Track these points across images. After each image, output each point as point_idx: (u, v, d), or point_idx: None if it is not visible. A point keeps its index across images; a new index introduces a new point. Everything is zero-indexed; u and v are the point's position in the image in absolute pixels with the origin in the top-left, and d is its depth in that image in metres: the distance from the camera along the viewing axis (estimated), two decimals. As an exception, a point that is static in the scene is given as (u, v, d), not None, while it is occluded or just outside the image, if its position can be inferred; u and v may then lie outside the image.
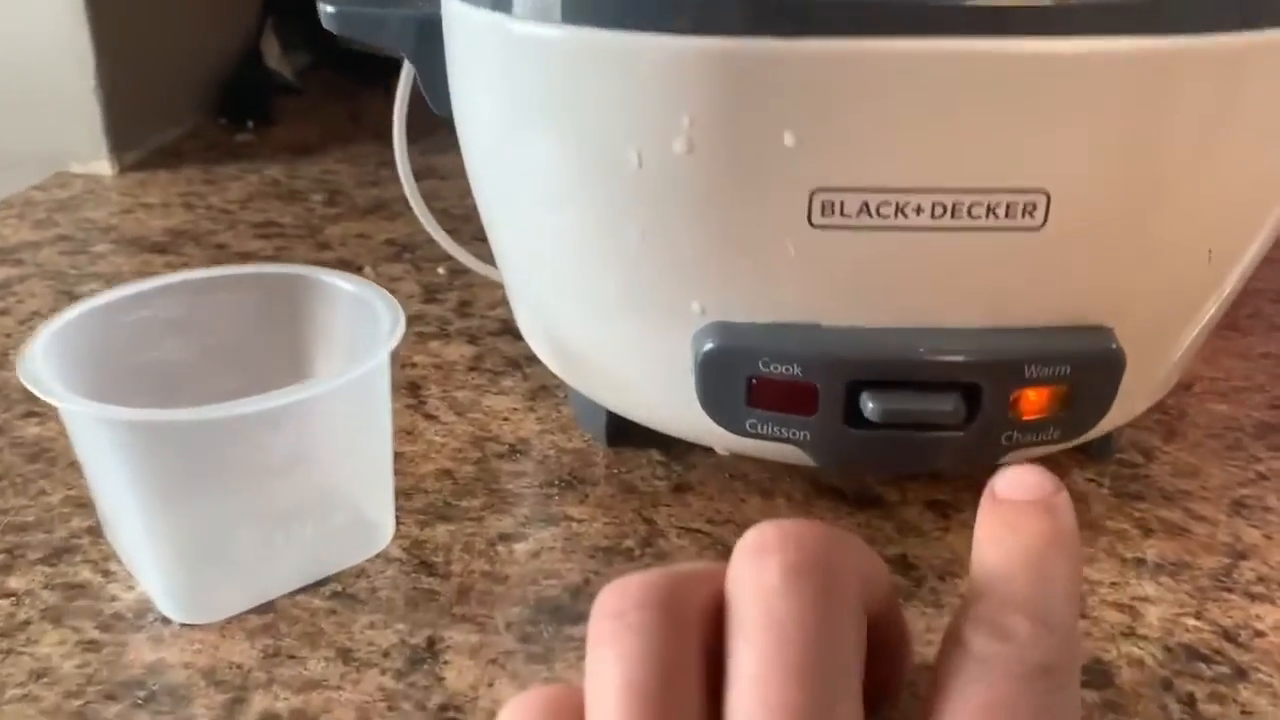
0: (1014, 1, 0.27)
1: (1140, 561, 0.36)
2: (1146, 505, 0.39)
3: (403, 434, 0.43)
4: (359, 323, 0.36)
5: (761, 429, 0.32)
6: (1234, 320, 0.52)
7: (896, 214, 0.29)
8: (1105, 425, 0.34)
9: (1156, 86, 0.28)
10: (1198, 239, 0.31)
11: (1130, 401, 0.36)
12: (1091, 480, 0.40)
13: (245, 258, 0.60)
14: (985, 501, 0.26)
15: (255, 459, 0.32)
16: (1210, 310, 0.34)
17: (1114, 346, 0.31)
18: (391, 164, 0.46)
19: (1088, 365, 0.31)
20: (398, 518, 0.38)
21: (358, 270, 0.58)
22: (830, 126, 0.28)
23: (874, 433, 0.31)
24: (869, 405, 0.30)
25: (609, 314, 0.35)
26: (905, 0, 0.27)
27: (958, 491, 0.39)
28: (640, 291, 0.33)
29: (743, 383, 0.32)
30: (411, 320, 0.52)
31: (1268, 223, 0.32)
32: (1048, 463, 0.27)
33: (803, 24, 0.27)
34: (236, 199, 0.68)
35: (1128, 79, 0.27)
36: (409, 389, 0.46)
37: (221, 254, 0.60)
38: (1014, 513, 0.24)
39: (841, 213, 0.29)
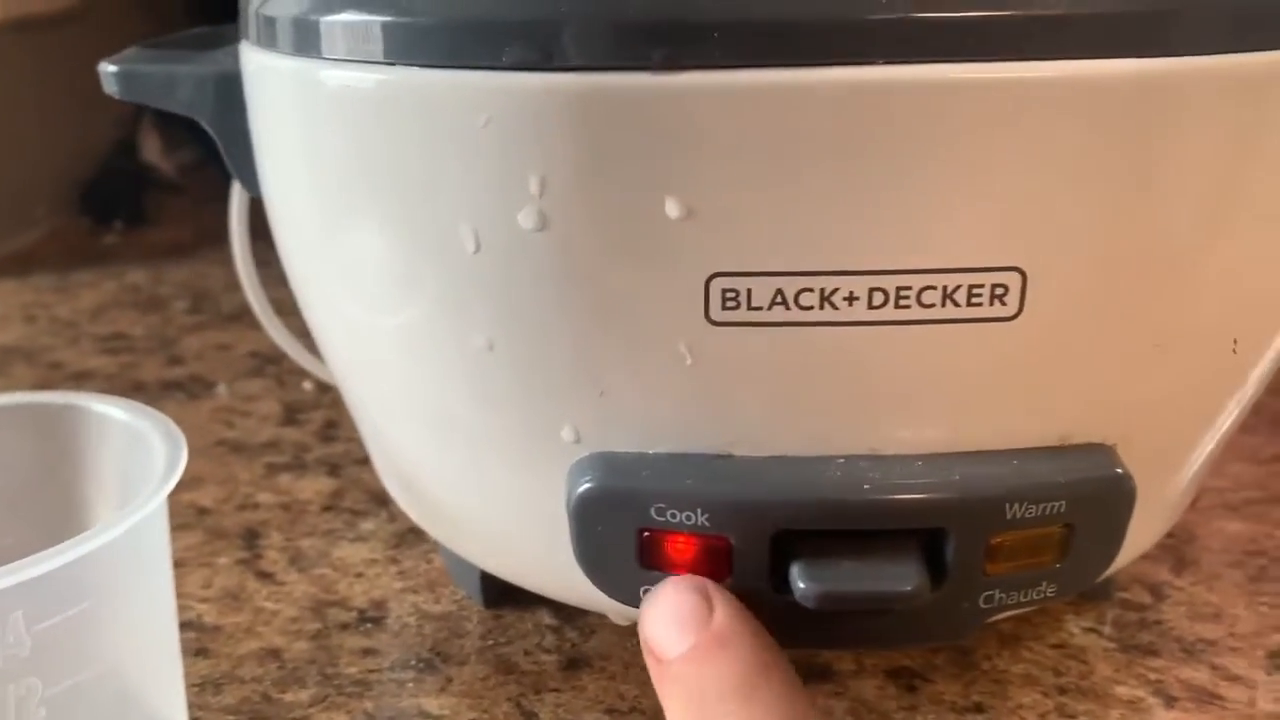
0: (971, 13, 0.20)
1: (1166, 744, 0.28)
2: (1163, 662, 0.31)
3: (227, 600, 0.34)
4: (135, 460, 0.28)
5: (660, 597, 0.24)
6: (1235, 418, 0.46)
7: (822, 305, 0.22)
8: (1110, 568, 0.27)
9: (1166, 123, 0.21)
10: (1221, 325, 0.24)
11: (1141, 534, 0.28)
12: (1090, 630, 0.33)
13: (79, 377, 0.51)
14: (649, 661, 0.23)
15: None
16: (1234, 414, 0.27)
17: (1119, 471, 0.23)
18: (270, 263, 0.38)
19: (1088, 497, 0.23)
20: (197, 720, 0.29)
21: (209, 388, 0.50)
22: (728, 190, 0.21)
23: (810, 599, 0.23)
24: (800, 585, 0.23)
25: (463, 445, 0.27)
26: (826, 15, 0.20)
27: (929, 655, 0.31)
28: (496, 415, 0.25)
29: (632, 536, 0.24)
30: (263, 449, 0.44)
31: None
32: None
33: (686, 51, 0.20)
34: (87, 309, 0.61)
35: (1127, 114, 0.21)
36: (245, 539, 0.38)
37: (53, 374, 0.52)
38: (686, 679, 0.21)
39: (749, 305, 0.22)
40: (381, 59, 0.23)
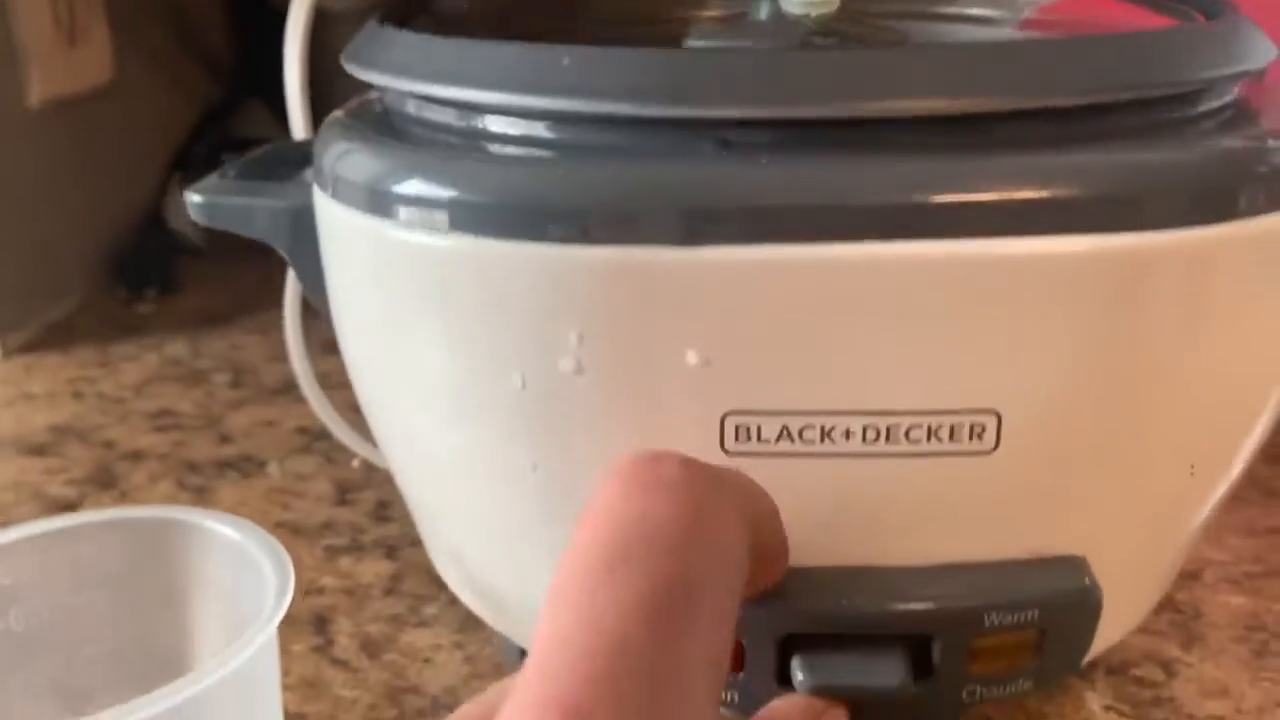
0: (950, 197, 0.26)
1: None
2: (1178, 737, 0.37)
3: (305, 687, 0.41)
4: (241, 576, 0.33)
5: (687, 689, 0.31)
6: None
7: (822, 439, 0.28)
8: (1096, 649, 0.33)
9: (1118, 291, 0.28)
10: (1177, 455, 0.30)
11: (1124, 616, 0.35)
12: (1110, 708, 0.38)
13: (134, 457, 0.59)
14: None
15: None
16: (1201, 518, 0.33)
17: (1088, 582, 0.30)
18: (311, 332, 0.44)
19: (1059, 605, 0.30)
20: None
21: (260, 466, 0.57)
22: (740, 343, 0.28)
23: (816, 691, 0.30)
24: (799, 676, 0.29)
25: (509, 546, 0.34)
26: (817, 202, 0.27)
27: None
28: (540, 524, 0.32)
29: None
30: (320, 530, 0.51)
31: (1258, 427, 0.31)
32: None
33: (701, 230, 0.27)
34: (131, 383, 0.68)
35: (1086, 283, 0.27)
36: (315, 624, 0.44)
37: (108, 454, 0.59)
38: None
39: (759, 438, 0.29)
40: (446, 229, 0.29)
